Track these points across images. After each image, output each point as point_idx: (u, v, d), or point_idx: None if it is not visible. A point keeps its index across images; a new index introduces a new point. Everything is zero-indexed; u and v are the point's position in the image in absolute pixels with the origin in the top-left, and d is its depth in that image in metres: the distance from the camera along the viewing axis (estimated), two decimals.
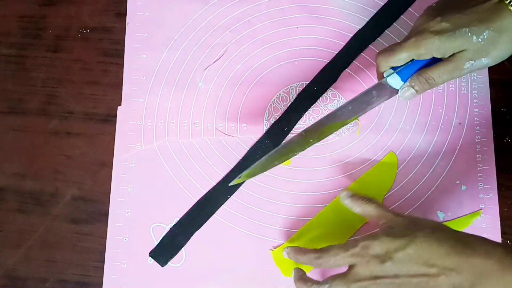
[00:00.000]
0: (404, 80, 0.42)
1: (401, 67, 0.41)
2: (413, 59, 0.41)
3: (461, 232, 0.38)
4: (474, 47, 0.39)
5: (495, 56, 0.39)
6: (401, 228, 0.38)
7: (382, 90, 0.43)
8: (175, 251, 0.46)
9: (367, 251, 0.37)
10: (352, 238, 0.38)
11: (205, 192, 0.48)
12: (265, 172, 0.48)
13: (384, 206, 0.42)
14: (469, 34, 0.38)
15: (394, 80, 0.42)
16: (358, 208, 0.42)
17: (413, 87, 0.41)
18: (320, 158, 0.48)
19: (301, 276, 0.41)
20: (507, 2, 0.38)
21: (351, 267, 0.38)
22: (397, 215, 0.40)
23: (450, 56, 0.40)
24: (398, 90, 0.42)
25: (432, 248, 0.35)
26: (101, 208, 0.48)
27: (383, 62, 0.42)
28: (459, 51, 0.39)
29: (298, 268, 0.42)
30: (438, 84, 0.41)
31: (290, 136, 0.49)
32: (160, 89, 0.50)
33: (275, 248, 0.46)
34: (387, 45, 0.50)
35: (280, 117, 0.49)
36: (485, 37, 0.38)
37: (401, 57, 0.41)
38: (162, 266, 0.46)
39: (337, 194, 0.47)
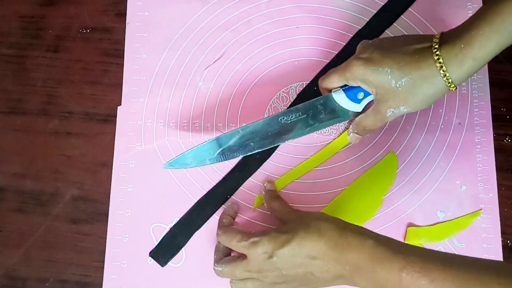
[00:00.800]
0: (351, 99, 0.43)
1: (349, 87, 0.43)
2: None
3: (340, 221, 0.39)
4: (393, 93, 0.39)
5: (414, 105, 0.39)
6: (290, 223, 0.40)
7: (328, 105, 0.44)
8: (175, 251, 0.46)
9: (255, 247, 0.38)
10: (256, 231, 0.41)
11: (205, 192, 0.48)
12: (265, 172, 0.48)
13: (286, 203, 0.45)
14: (390, 76, 0.38)
15: (340, 96, 0.43)
16: (266, 203, 0.46)
17: (356, 133, 0.45)
18: None
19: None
20: (433, 51, 0.37)
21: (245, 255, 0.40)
22: (292, 210, 0.44)
23: (376, 105, 0.41)
24: (347, 110, 0.44)
25: (312, 242, 0.37)
26: (101, 208, 0.48)
27: (321, 85, 0.45)
28: (381, 96, 0.40)
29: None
30: (373, 130, 0.43)
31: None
32: (160, 89, 0.50)
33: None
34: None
35: None
36: (403, 83, 0.38)
37: (333, 79, 0.43)
38: (162, 266, 0.46)
39: (337, 194, 0.47)
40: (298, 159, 0.48)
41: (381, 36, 0.51)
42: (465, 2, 0.51)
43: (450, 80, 0.37)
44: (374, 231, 0.38)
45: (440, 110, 0.49)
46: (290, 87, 0.50)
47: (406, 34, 0.42)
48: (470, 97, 0.49)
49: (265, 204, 0.46)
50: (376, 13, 0.52)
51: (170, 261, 0.46)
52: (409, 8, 0.52)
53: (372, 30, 0.51)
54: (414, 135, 0.49)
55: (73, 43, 0.52)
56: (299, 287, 0.39)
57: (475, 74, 0.50)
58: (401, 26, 0.51)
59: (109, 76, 0.51)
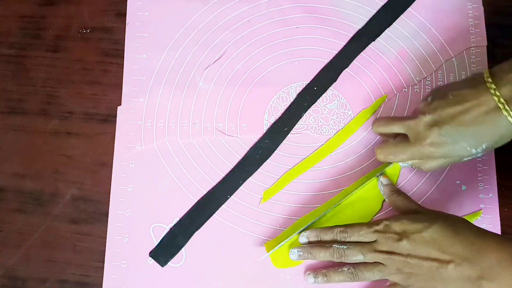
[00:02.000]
0: None
1: None
2: None
3: (478, 227, 0.39)
4: (472, 153, 0.39)
5: (490, 151, 0.42)
6: (424, 215, 0.41)
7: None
8: (175, 251, 0.46)
9: (388, 228, 0.40)
10: (376, 219, 0.42)
11: (205, 192, 0.48)
12: (265, 172, 0.48)
13: (411, 199, 0.45)
14: (468, 148, 0.39)
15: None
16: (387, 199, 0.46)
17: (412, 166, 0.45)
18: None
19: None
20: (505, 112, 0.37)
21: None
22: (419, 207, 0.43)
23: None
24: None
25: (447, 236, 0.37)
26: (101, 208, 0.48)
27: (382, 158, 0.45)
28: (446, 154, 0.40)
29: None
30: (432, 171, 0.45)
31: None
32: (160, 89, 0.50)
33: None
34: (387, 45, 0.51)
35: (280, 117, 0.49)
36: (484, 148, 0.39)
37: (400, 159, 0.44)
38: (162, 266, 0.46)
39: (338, 193, 0.47)
40: (298, 159, 0.48)
41: (381, 36, 0.51)
42: (465, 2, 0.51)
43: None
44: None
45: None
46: (290, 87, 0.50)
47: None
48: None
49: (386, 200, 0.46)
50: (376, 13, 0.52)
51: (170, 261, 0.46)
52: (409, 8, 0.52)
53: (372, 30, 0.51)
54: None
55: (73, 43, 0.52)
56: (420, 284, 0.39)
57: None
58: (401, 26, 0.51)
59: (109, 76, 0.51)
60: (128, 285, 0.46)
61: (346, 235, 0.42)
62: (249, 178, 0.48)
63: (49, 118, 0.50)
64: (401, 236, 0.39)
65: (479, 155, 0.40)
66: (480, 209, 0.47)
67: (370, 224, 0.42)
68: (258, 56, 0.51)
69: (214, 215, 0.47)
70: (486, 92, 0.38)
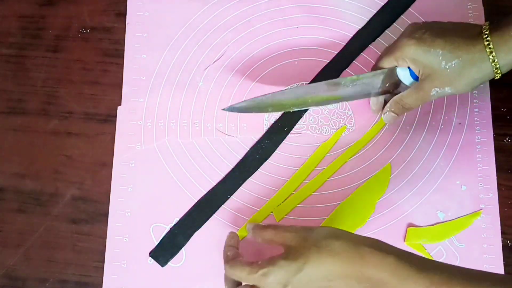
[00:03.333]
0: (413, 77, 0.43)
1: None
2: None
3: (354, 236, 0.37)
4: (441, 73, 0.40)
5: (459, 88, 0.41)
6: (296, 247, 0.37)
7: (390, 78, 0.45)
8: (175, 251, 0.46)
9: (267, 278, 0.36)
10: (262, 260, 0.37)
11: (205, 192, 0.48)
12: (265, 172, 0.48)
13: (279, 226, 0.40)
14: (440, 57, 0.40)
15: (403, 72, 0.44)
16: (259, 238, 0.41)
17: (393, 112, 0.45)
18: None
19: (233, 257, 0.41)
20: (484, 36, 0.39)
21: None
22: (290, 231, 0.38)
23: (420, 83, 0.42)
24: (401, 83, 0.44)
25: (327, 264, 0.35)
26: (101, 208, 0.48)
27: (378, 64, 0.45)
28: (427, 75, 0.41)
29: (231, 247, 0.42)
30: (413, 108, 0.44)
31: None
32: (160, 89, 0.50)
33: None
34: (387, 45, 0.51)
35: (280, 117, 0.49)
36: (453, 65, 0.39)
37: (383, 60, 0.44)
38: (162, 266, 0.46)
39: (339, 193, 0.47)
40: (298, 159, 0.48)
41: (382, 36, 0.51)
42: (465, 2, 0.51)
43: (497, 66, 0.39)
44: (379, 233, 0.38)
45: (440, 110, 0.49)
46: (290, 87, 0.50)
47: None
48: (470, 97, 0.49)
49: (258, 241, 0.41)
50: (376, 13, 0.52)
51: (170, 261, 0.46)
52: (409, 8, 0.52)
53: (372, 30, 0.51)
54: (414, 135, 0.49)
55: (73, 43, 0.52)
56: None
57: None
58: (401, 26, 0.51)
59: (109, 76, 0.51)
60: (128, 285, 0.46)
61: (228, 272, 0.40)
62: (249, 178, 0.48)
63: (49, 118, 0.50)
64: (285, 283, 0.36)
65: (448, 71, 0.40)
66: (480, 209, 0.47)
67: (251, 268, 0.37)
68: (258, 56, 0.51)
69: (214, 215, 0.47)
70: (479, 26, 0.40)
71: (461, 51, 0.39)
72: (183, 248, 0.47)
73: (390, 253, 0.35)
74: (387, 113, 0.45)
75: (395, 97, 0.44)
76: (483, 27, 0.39)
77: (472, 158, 0.48)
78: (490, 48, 0.38)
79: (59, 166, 0.49)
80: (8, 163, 0.49)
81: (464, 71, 0.39)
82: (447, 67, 0.40)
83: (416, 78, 0.43)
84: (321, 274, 0.35)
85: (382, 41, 0.51)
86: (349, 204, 0.47)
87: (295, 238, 0.38)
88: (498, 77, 0.40)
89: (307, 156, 0.48)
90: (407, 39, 0.41)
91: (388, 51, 0.44)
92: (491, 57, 0.38)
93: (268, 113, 0.49)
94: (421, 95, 0.42)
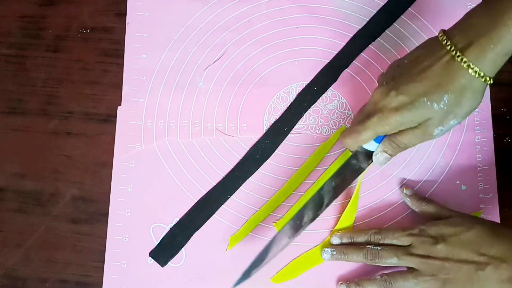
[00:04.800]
0: (378, 142, 0.41)
1: None
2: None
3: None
4: (439, 114, 0.37)
5: (463, 115, 0.37)
6: (460, 219, 0.41)
7: (360, 156, 0.43)
8: (175, 251, 0.46)
9: (423, 232, 0.40)
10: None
11: (205, 192, 0.48)
12: (265, 172, 0.48)
13: (441, 205, 0.44)
14: (429, 103, 0.37)
15: (370, 144, 0.41)
16: (417, 209, 0.45)
17: (386, 152, 0.41)
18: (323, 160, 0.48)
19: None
20: (459, 59, 0.35)
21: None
22: (454, 211, 0.43)
23: (419, 127, 0.38)
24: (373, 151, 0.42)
25: (485, 238, 0.37)
26: (101, 208, 0.48)
27: (351, 143, 0.42)
28: (425, 121, 0.38)
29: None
30: (410, 147, 0.40)
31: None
32: (160, 89, 0.50)
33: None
34: (387, 45, 0.51)
35: (280, 117, 0.49)
36: (446, 102, 0.37)
37: (367, 137, 0.40)
38: (162, 266, 0.46)
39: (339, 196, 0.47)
40: (298, 159, 0.48)
41: (382, 36, 0.51)
42: (465, 2, 0.51)
43: (487, 78, 0.36)
44: None
45: None
46: (290, 87, 0.50)
47: (409, 51, 0.40)
48: None
49: (416, 210, 0.45)
50: (376, 13, 0.52)
51: (170, 261, 0.46)
52: (409, 8, 0.52)
53: (372, 30, 0.51)
54: None
55: (73, 43, 0.52)
56: None
57: None
58: (401, 26, 0.51)
59: (109, 76, 0.51)
60: (128, 285, 0.46)
61: (380, 237, 0.42)
62: (249, 178, 0.48)
63: (49, 118, 0.50)
64: (437, 239, 0.39)
65: (444, 108, 0.37)
66: (480, 209, 0.47)
67: (404, 228, 0.42)
68: (258, 56, 0.51)
69: (214, 215, 0.47)
70: (440, 47, 0.37)
71: (444, 85, 0.36)
72: (183, 248, 0.47)
73: None
74: (379, 154, 0.41)
75: (389, 137, 0.40)
76: (446, 45, 0.36)
77: (472, 158, 0.48)
78: (472, 68, 0.35)
79: (59, 166, 0.49)
80: (8, 163, 0.49)
81: (459, 100, 0.36)
82: (442, 105, 0.37)
83: (381, 140, 0.41)
84: (475, 245, 0.38)
85: (382, 41, 0.51)
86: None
87: (461, 215, 0.43)
88: (493, 82, 0.37)
89: (307, 156, 0.48)
90: (389, 114, 0.38)
91: (368, 127, 0.39)
92: (477, 76, 0.35)
93: (268, 113, 0.49)
94: (420, 135, 0.39)
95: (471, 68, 0.35)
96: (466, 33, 0.36)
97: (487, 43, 0.35)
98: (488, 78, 0.36)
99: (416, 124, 0.38)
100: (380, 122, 0.39)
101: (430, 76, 0.37)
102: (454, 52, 0.36)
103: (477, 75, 0.35)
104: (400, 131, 0.39)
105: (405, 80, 0.38)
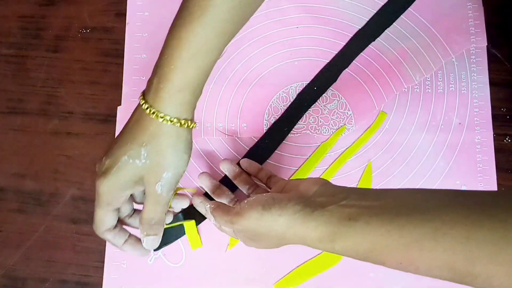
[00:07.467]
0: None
1: None
2: None
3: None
4: (146, 169, 0.35)
5: (173, 166, 0.36)
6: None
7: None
8: (172, 240, 0.46)
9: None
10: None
11: (205, 192, 0.48)
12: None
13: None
14: (131, 160, 0.35)
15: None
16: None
17: (148, 234, 0.39)
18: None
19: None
20: (144, 107, 0.35)
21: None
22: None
23: (145, 189, 0.37)
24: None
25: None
26: None
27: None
28: (139, 179, 0.36)
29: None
30: (158, 220, 0.38)
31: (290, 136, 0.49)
32: None
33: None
34: (387, 45, 0.51)
35: (280, 117, 0.49)
36: (146, 155, 0.35)
37: (100, 218, 0.38)
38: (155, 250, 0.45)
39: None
40: (298, 159, 0.48)
41: (381, 36, 0.51)
42: (465, 2, 0.51)
43: (182, 122, 0.35)
44: None
45: (440, 110, 0.49)
46: (290, 87, 0.50)
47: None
48: (470, 97, 0.49)
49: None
50: (376, 13, 0.52)
51: (170, 261, 0.46)
52: (409, 8, 0.52)
53: (372, 30, 0.51)
54: (414, 135, 0.49)
55: (73, 43, 0.52)
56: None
57: (475, 74, 0.50)
58: (401, 26, 0.51)
59: (109, 76, 0.51)
60: (128, 285, 0.46)
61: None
62: None
63: (49, 118, 0.50)
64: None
65: (147, 162, 0.35)
66: None
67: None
68: (258, 56, 0.51)
69: None
70: (139, 109, 0.36)
71: (137, 139, 0.35)
72: (183, 248, 0.47)
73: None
74: (145, 238, 0.39)
75: (139, 218, 0.38)
76: (142, 103, 0.35)
77: (472, 158, 0.48)
78: (153, 112, 0.34)
79: (59, 166, 0.49)
80: (8, 163, 0.49)
81: (159, 150, 0.35)
82: (143, 160, 0.35)
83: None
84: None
85: (382, 41, 0.51)
86: None
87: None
88: (196, 126, 0.37)
89: (307, 156, 0.48)
90: (98, 181, 0.36)
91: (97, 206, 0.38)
92: (163, 120, 0.34)
93: (268, 113, 0.49)
94: (152, 201, 0.37)
95: (153, 113, 0.34)
96: (155, 88, 0.35)
97: (158, 85, 0.35)
98: (183, 122, 0.35)
99: (136, 181, 0.36)
100: (99, 199, 0.37)
101: (130, 131, 0.36)
102: (143, 105, 0.35)
103: (164, 120, 0.34)
104: (142, 213, 0.38)
105: (113, 145, 0.37)
